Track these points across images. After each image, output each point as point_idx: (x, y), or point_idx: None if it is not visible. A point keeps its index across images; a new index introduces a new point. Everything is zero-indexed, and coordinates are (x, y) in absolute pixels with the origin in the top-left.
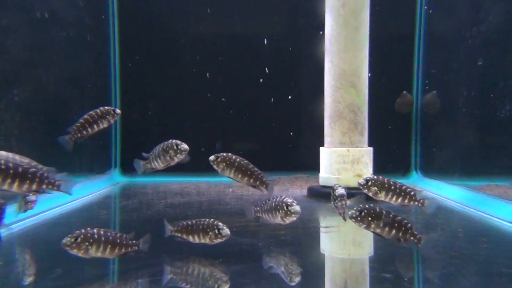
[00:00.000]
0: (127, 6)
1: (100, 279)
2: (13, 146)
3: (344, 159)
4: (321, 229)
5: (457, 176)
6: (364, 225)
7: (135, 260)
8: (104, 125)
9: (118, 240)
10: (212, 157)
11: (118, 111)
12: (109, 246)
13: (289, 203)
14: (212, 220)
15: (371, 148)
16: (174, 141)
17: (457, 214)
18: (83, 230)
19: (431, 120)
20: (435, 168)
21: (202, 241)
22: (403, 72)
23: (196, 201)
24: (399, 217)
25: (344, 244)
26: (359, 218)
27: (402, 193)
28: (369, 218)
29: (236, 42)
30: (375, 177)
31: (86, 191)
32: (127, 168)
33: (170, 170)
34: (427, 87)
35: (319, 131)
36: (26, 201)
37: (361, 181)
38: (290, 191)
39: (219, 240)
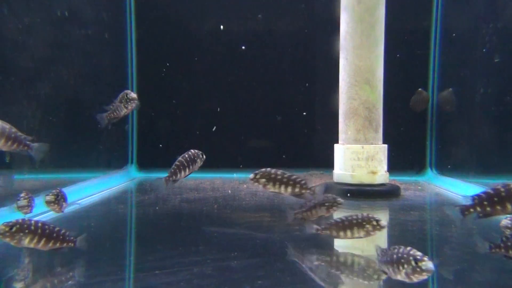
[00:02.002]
0: (144, 4)
1: (118, 268)
2: (34, 141)
3: (358, 156)
4: None
5: (473, 173)
6: None
7: (153, 253)
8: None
9: (55, 235)
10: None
11: (131, 95)
12: (44, 239)
13: (418, 258)
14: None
15: (386, 145)
16: (196, 151)
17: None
18: (19, 220)
19: (446, 118)
20: (451, 165)
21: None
22: (419, 69)
23: (211, 196)
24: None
25: (357, 240)
26: None
27: (291, 182)
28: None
29: (251, 40)
30: (263, 169)
31: (103, 186)
32: (143, 164)
33: None
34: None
35: (333, 128)
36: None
37: (251, 175)
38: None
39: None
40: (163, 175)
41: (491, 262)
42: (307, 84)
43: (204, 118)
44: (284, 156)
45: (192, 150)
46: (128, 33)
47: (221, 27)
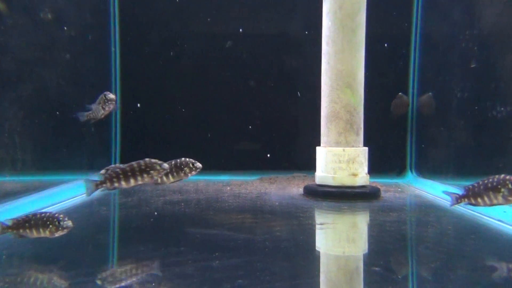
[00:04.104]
0: (129, 6)
1: (98, 268)
2: (16, 143)
3: (339, 158)
4: (316, 226)
5: (451, 176)
6: None
7: (135, 253)
8: (106, 110)
9: None
10: None
11: (109, 96)
12: None
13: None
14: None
15: (366, 148)
16: (188, 159)
17: (449, 212)
18: None
19: (426, 121)
20: (430, 168)
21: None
22: (399, 74)
23: (194, 198)
24: None
25: (338, 241)
26: None
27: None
28: None
29: (235, 43)
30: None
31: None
32: None
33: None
34: (419, 89)
35: (316, 131)
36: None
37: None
38: (287, 189)
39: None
40: None
41: (465, 260)
42: (290, 88)
43: (188, 120)
44: (267, 159)
45: (183, 158)
46: (112, 34)
47: (206, 30)
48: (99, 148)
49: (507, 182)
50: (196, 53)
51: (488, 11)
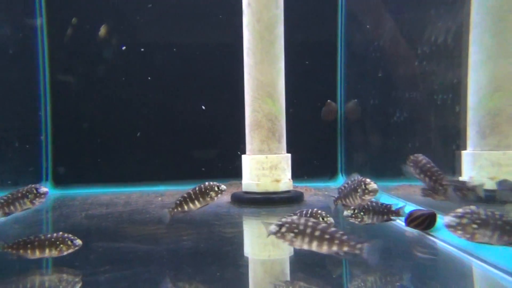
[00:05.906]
0: (57, 17)
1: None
2: None
3: (263, 165)
4: (224, 233)
5: (367, 177)
6: None
7: (17, 272)
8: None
9: None
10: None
11: (42, 190)
12: None
13: (367, 182)
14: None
15: (289, 155)
16: (213, 183)
17: None
18: None
19: (351, 127)
20: (354, 170)
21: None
22: (328, 81)
23: (118, 211)
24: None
25: (264, 246)
26: None
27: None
28: None
29: (163, 53)
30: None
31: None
32: (60, 181)
33: (105, 180)
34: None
35: None
36: None
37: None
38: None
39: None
40: (82, 191)
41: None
42: (223, 97)
43: (123, 133)
44: (205, 167)
45: (207, 182)
46: (39, 51)
47: (135, 41)
48: (25, 164)
49: (362, 183)
50: (127, 64)
51: (389, 24)
